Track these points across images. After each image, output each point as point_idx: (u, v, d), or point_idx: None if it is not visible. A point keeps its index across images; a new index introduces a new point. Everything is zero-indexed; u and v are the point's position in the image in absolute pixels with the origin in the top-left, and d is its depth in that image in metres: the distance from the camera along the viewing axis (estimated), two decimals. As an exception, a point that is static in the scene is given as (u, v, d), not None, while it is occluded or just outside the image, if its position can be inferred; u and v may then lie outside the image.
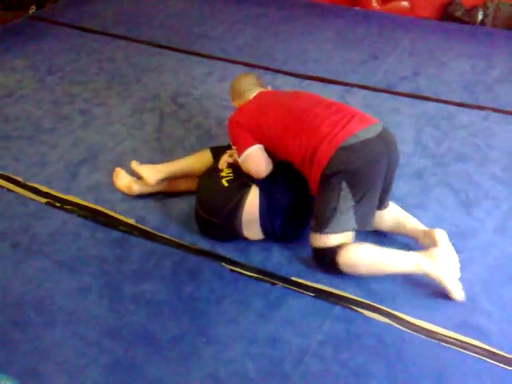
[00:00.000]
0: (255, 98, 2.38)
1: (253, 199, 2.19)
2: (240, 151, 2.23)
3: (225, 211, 2.20)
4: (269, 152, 2.24)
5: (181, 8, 4.76)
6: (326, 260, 2.10)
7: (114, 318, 2.03)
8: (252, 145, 2.22)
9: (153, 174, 2.51)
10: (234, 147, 2.29)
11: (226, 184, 2.25)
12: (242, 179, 2.25)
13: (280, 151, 2.21)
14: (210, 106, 3.29)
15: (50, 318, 2.03)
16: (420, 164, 2.72)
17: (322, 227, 2.07)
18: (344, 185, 2.01)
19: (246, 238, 2.29)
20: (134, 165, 2.57)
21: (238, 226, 2.22)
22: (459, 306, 2.04)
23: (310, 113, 2.14)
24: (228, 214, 2.20)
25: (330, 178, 2.03)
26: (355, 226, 2.07)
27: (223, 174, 2.29)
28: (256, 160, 2.22)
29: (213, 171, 2.36)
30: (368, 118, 2.14)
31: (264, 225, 2.22)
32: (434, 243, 2.11)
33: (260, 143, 2.22)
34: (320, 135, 2.05)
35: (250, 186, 2.22)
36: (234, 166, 2.32)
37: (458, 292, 2.02)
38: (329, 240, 2.07)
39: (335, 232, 2.06)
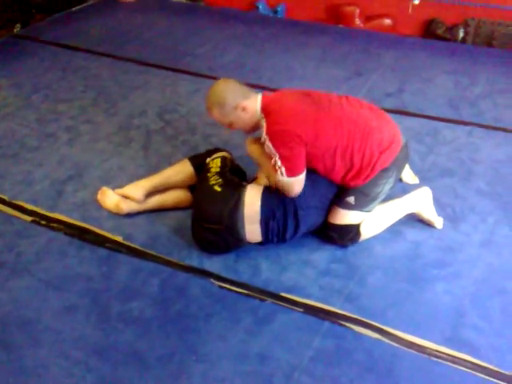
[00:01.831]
0: (285, 98, 2.21)
1: (253, 197, 2.21)
2: (291, 173, 2.13)
3: (225, 214, 2.21)
4: (309, 162, 2.19)
5: (167, 26, 4.79)
6: (352, 233, 2.30)
7: (101, 337, 2.00)
8: (304, 170, 2.16)
9: (137, 190, 2.51)
10: (278, 160, 2.11)
11: (218, 189, 2.26)
12: (233, 181, 2.26)
13: (332, 162, 2.18)
14: (197, 122, 3.30)
15: (35, 337, 2.00)
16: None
17: (362, 207, 2.26)
18: (394, 173, 2.27)
19: (245, 243, 2.28)
20: (117, 191, 2.58)
21: (241, 227, 2.22)
22: (448, 320, 2.05)
23: (368, 120, 2.21)
24: (229, 215, 2.21)
25: (385, 171, 2.23)
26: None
27: (212, 181, 2.30)
28: (300, 185, 2.19)
29: (202, 181, 2.36)
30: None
31: (265, 222, 2.23)
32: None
33: (310, 153, 2.15)
34: (386, 138, 2.20)
35: (244, 186, 2.24)
36: (220, 172, 2.33)
37: (437, 220, 2.45)
38: (362, 217, 2.28)
39: (370, 211, 2.30)
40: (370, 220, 2.32)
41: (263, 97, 2.23)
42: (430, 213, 2.45)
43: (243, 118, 2.22)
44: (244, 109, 2.18)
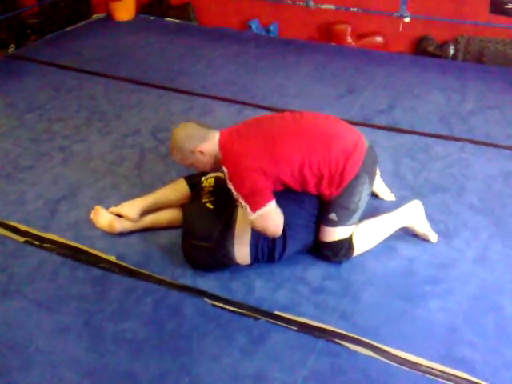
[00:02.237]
0: (239, 134, 2.23)
1: (245, 216, 2.16)
2: (256, 207, 2.06)
3: (216, 232, 2.21)
4: (282, 184, 2.18)
5: (161, 45, 4.82)
6: (344, 249, 2.30)
7: (94, 359, 1.98)
8: (271, 199, 2.09)
9: (132, 209, 2.51)
10: (241, 200, 2.09)
11: (211, 206, 2.27)
12: (226, 200, 2.24)
13: (302, 177, 2.16)
14: (190, 141, 3.30)
15: (27, 359, 1.98)
16: (399, 195, 2.75)
17: (346, 221, 2.26)
18: (366, 177, 2.25)
19: (235, 263, 2.28)
20: (111, 209, 2.58)
21: (231, 245, 2.22)
22: (443, 337, 2.04)
23: (326, 129, 2.25)
24: (220, 233, 2.21)
25: (356, 178, 2.22)
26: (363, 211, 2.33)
27: (205, 199, 2.31)
28: (276, 217, 2.11)
29: (194, 199, 2.37)
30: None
31: (255, 243, 2.23)
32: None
33: (277, 178, 2.15)
34: (349, 142, 2.22)
35: (236, 206, 2.23)
36: (213, 191, 2.33)
37: (432, 234, 2.46)
38: (350, 230, 2.29)
39: (355, 223, 2.30)
40: (363, 234, 2.33)
41: (220, 135, 2.24)
42: (423, 227, 2.45)
43: (202, 160, 2.26)
44: (202, 152, 2.22)
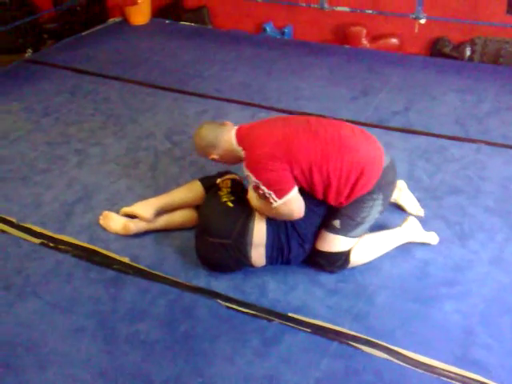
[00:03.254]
0: (258, 126, 2.28)
1: (262, 218, 2.21)
2: (280, 193, 2.09)
3: (236, 228, 2.22)
4: (294, 178, 2.16)
5: (176, 49, 4.85)
6: (341, 261, 2.27)
7: (107, 359, 1.99)
8: (293, 187, 2.12)
9: (147, 209, 2.52)
10: (264, 187, 2.10)
11: (231, 205, 2.28)
12: (245, 198, 2.25)
13: (311, 177, 2.15)
14: (204, 143, 3.31)
15: (42, 360, 2.00)
16: (414, 197, 2.72)
17: (348, 231, 2.23)
18: (380, 196, 2.21)
19: (250, 263, 2.28)
20: (125, 209, 2.60)
21: (248, 244, 2.22)
22: (458, 339, 2.02)
23: (345, 140, 2.17)
24: (239, 231, 2.22)
25: (369, 194, 2.19)
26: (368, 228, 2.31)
27: (224, 198, 2.31)
28: (299, 202, 2.15)
29: (212, 198, 2.37)
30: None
31: (271, 245, 2.24)
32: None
33: (291, 171, 2.13)
34: (364, 158, 2.16)
35: None
36: (231, 191, 2.34)
37: (432, 237, 2.45)
38: (350, 243, 2.25)
39: (358, 236, 2.27)
40: (361, 248, 2.29)
41: (238, 128, 2.31)
42: (421, 238, 2.45)
43: (222, 155, 2.33)
44: (217, 153, 2.32)
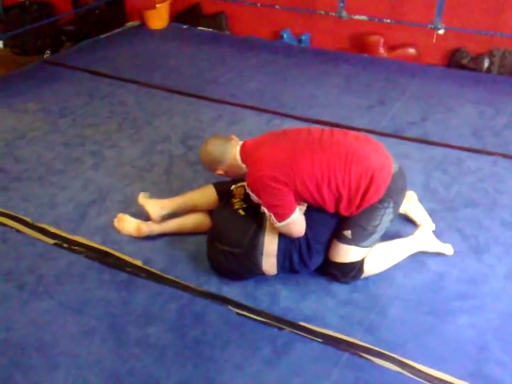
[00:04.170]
0: (262, 142, 2.28)
1: (273, 227, 2.20)
2: (281, 217, 2.12)
3: (247, 238, 2.21)
4: (299, 195, 2.17)
5: (192, 54, 4.87)
6: (355, 271, 2.25)
7: (117, 362, 1.99)
8: (295, 209, 2.13)
9: (157, 209, 2.54)
10: (265, 208, 2.14)
11: (242, 213, 2.28)
12: (257, 208, 2.24)
13: (320, 195, 2.14)
14: (219, 149, 3.31)
15: (53, 361, 2.00)
16: (429, 208, 2.70)
17: (360, 241, 2.21)
18: (391, 203, 2.20)
19: (261, 272, 2.27)
20: (141, 197, 2.60)
21: (259, 253, 2.21)
22: (471, 354, 1.99)
23: (352, 149, 2.16)
24: (250, 239, 2.21)
25: (380, 202, 2.18)
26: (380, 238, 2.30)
27: (236, 206, 2.32)
28: (299, 224, 2.17)
29: (225, 205, 2.38)
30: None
31: (283, 254, 2.23)
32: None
33: (295, 191, 2.14)
34: (373, 165, 2.14)
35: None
36: (244, 198, 2.34)
37: (447, 248, 2.42)
38: (363, 253, 2.24)
39: (370, 245, 2.25)
40: (374, 258, 2.27)
41: (243, 144, 2.31)
42: (435, 248, 2.43)
43: (227, 171, 2.36)
44: (222, 169, 2.34)
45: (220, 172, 2.36)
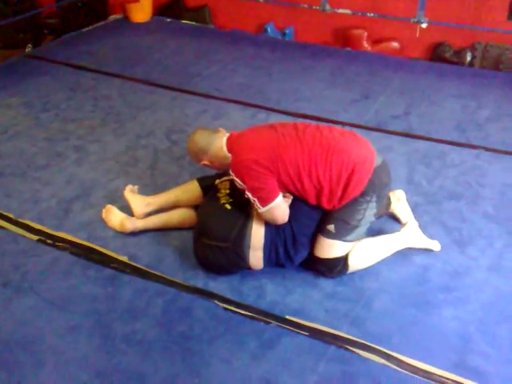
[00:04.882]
0: (248, 133, 2.31)
1: (260, 220, 2.22)
2: (265, 202, 2.13)
3: (233, 232, 2.21)
4: (281, 182, 2.18)
5: (176, 47, 4.84)
6: (340, 266, 2.25)
7: (104, 358, 1.98)
8: (278, 194, 2.15)
9: (141, 207, 2.54)
10: (249, 193, 2.16)
11: (229, 207, 2.28)
12: (243, 202, 2.24)
13: (301, 184, 2.16)
14: (204, 143, 3.30)
15: (38, 358, 1.99)
16: (413, 202, 2.72)
17: (343, 235, 2.21)
18: (374, 197, 2.20)
19: (247, 266, 2.27)
20: (127, 191, 2.59)
21: (246, 247, 2.22)
22: (456, 346, 2.02)
23: (334, 143, 2.18)
24: (237, 234, 2.21)
25: (362, 195, 2.18)
26: (366, 232, 2.29)
27: (222, 200, 2.31)
28: (282, 209, 2.18)
29: (211, 200, 2.37)
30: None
31: (268, 248, 2.24)
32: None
33: (278, 178, 2.16)
34: (354, 158, 2.16)
35: (252, 208, 2.24)
36: (230, 193, 2.33)
37: (434, 244, 2.44)
38: (347, 248, 2.24)
39: (354, 240, 2.25)
40: (359, 253, 2.27)
41: (229, 136, 2.33)
42: (421, 244, 2.44)
43: (213, 162, 2.35)
44: (209, 159, 2.34)
45: (205, 162, 2.35)
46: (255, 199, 2.15)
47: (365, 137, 2.34)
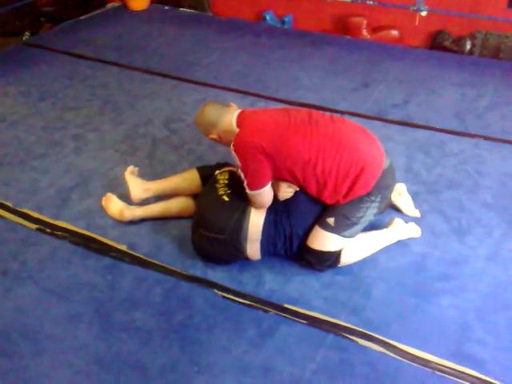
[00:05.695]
0: (257, 115, 2.25)
1: (258, 212, 2.22)
2: (254, 186, 2.15)
3: (231, 224, 2.21)
4: (281, 170, 2.16)
5: (174, 35, 4.81)
6: (331, 261, 2.24)
7: (103, 347, 1.99)
8: (268, 183, 2.17)
9: (139, 191, 2.53)
10: (241, 172, 2.17)
11: (227, 199, 2.26)
12: (241, 194, 2.24)
13: (305, 171, 2.14)
14: (203, 132, 3.29)
15: (38, 346, 2.00)
16: (412, 191, 2.72)
17: (342, 230, 2.20)
18: (378, 197, 2.20)
19: (245, 257, 2.28)
20: (129, 173, 2.59)
21: (243, 239, 2.21)
22: (454, 334, 2.03)
23: (346, 138, 2.15)
24: (234, 226, 2.21)
25: (367, 195, 2.18)
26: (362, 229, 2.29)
27: (221, 191, 2.30)
28: (266, 198, 2.20)
29: (209, 191, 2.36)
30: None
31: (266, 240, 2.23)
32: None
33: (278, 165, 2.15)
34: (365, 157, 2.14)
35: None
36: (228, 184, 2.33)
37: (414, 233, 2.47)
38: (342, 243, 2.22)
39: (351, 236, 2.23)
40: (351, 248, 2.26)
41: (240, 113, 2.27)
42: (406, 235, 2.47)
43: (221, 136, 2.30)
44: (217, 134, 2.29)
45: (214, 136, 2.30)
46: (245, 180, 2.16)
47: (364, 125, 2.32)
